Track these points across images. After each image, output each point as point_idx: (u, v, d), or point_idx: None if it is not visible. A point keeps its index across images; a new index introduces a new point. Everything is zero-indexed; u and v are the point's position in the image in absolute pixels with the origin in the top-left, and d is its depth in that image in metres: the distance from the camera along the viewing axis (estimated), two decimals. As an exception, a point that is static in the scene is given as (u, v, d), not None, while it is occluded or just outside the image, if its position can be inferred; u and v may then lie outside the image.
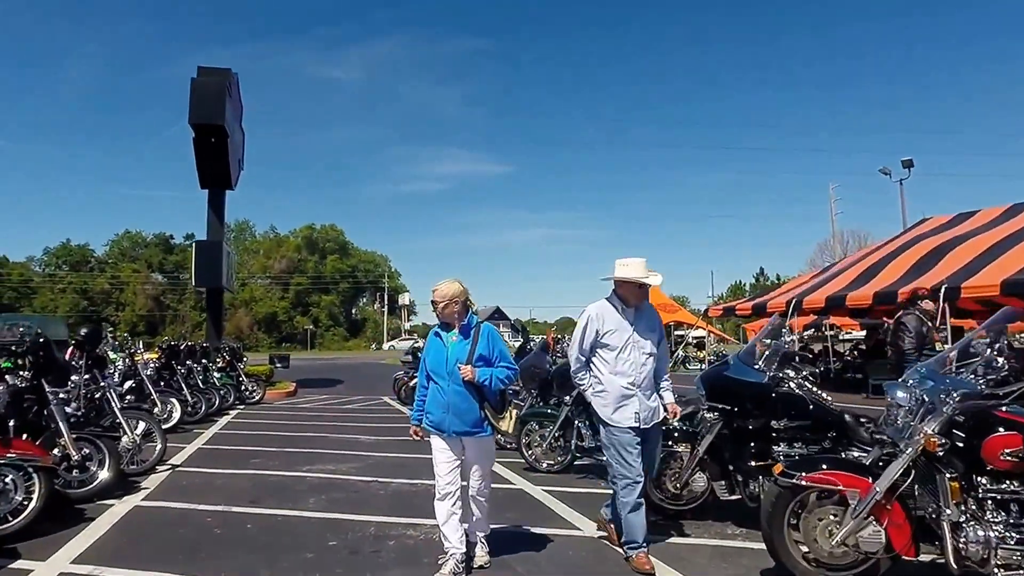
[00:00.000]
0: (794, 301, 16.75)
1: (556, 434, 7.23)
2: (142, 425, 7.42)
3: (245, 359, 15.52)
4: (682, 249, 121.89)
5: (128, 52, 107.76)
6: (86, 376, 7.33)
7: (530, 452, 7.44)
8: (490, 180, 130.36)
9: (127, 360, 10.66)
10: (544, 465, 7.30)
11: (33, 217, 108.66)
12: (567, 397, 7.19)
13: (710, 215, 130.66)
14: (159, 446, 7.36)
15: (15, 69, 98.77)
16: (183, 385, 11.39)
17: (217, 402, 12.58)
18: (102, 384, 7.38)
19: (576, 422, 7.08)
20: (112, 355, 11.66)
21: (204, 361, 13.55)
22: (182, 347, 12.53)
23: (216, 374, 14.21)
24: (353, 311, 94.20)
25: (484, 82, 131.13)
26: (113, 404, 7.19)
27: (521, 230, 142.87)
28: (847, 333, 24.98)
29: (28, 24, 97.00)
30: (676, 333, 30.65)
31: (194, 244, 18.27)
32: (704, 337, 36.97)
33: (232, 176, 19.29)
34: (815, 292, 17.52)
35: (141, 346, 13.45)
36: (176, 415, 10.28)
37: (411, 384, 14.18)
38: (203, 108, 16.87)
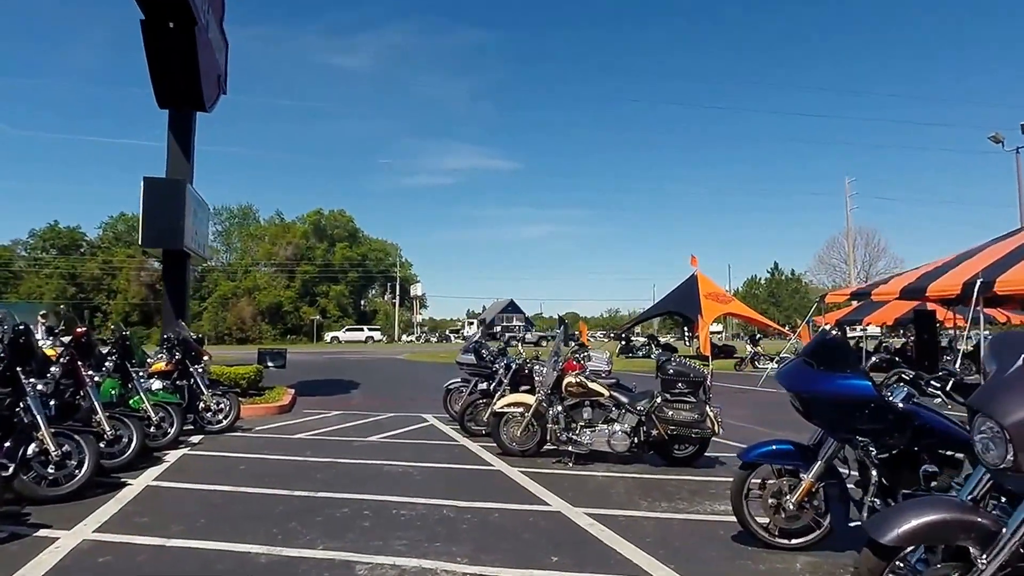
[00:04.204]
0: (978, 283, 11.92)
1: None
2: None
3: (207, 358, 9.53)
4: (694, 245, 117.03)
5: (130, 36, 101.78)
6: None
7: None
8: (498, 175, 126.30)
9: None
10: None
11: (23, 199, 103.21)
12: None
13: (723, 209, 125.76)
14: None
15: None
16: (38, 420, 5.37)
17: (135, 443, 6.64)
18: None
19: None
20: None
21: (123, 362, 7.60)
22: (66, 338, 6.51)
23: (155, 385, 8.35)
24: (362, 302, 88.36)
25: (492, 77, 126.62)
26: None
27: (529, 225, 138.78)
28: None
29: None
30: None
31: (143, 183, 12.20)
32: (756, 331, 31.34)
33: (204, 91, 13.26)
34: (1011, 269, 11.77)
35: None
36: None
37: (476, 401, 8.46)
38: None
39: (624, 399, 6.92)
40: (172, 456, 7.44)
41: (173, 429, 7.95)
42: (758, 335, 29.20)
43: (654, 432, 6.66)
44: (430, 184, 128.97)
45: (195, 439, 8.65)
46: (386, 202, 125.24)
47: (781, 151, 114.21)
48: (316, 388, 16.08)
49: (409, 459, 7.34)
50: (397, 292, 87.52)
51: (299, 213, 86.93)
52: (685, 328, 42.46)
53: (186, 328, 10.12)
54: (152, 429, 7.78)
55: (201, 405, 9.13)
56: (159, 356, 9.46)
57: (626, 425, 6.84)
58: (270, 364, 15.21)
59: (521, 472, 6.58)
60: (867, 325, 27.12)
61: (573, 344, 9.59)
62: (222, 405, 9.29)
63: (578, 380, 6.94)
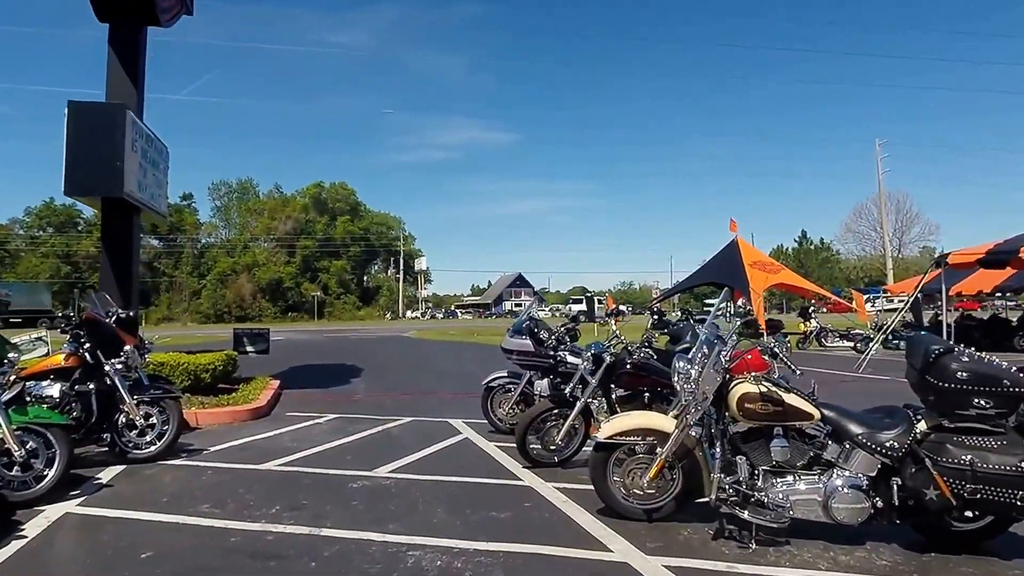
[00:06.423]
0: None
1: None
2: None
3: (129, 348, 6.30)
4: (712, 213, 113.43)
5: None
6: None
7: None
8: (497, 148, 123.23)
9: None
10: None
11: (21, 174, 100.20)
12: None
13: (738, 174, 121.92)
14: None
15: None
16: None
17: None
18: None
19: None
20: None
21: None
22: None
23: (51, 391, 5.29)
24: (365, 278, 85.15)
25: (491, 49, 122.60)
26: None
27: (535, 198, 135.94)
28: None
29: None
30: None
31: (67, 108, 8.97)
32: (810, 306, 28.02)
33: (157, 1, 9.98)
34: None
35: None
36: None
37: (546, 414, 5.32)
38: None
39: (854, 427, 3.71)
40: (40, 522, 4.30)
41: (53, 469, 4.81)
42: (812, 308, 25.93)
43: (928, 492, 3.46)
44: (432, 159, 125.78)
45: (107, 475, 5.55)
46: (387, 177, 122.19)
47: (805, 112, 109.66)
48: (308, 377, 12.97)
49: (447, 528, 4.16)
50: (401, 267, 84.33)
51: (299, 187, 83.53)
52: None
53: (104, 302, 6.88)
54: (15, 471, 4.67)
55: (121, 420, 6.00)
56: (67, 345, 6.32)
57: (859, 474, 3.65)
58: (249, 349, 12.11)
59: (669, 569, 3.42)
60: (954, 294, 23.38)
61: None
62: (153, 419, 6.14)
63: (764, 389, 3.73)
